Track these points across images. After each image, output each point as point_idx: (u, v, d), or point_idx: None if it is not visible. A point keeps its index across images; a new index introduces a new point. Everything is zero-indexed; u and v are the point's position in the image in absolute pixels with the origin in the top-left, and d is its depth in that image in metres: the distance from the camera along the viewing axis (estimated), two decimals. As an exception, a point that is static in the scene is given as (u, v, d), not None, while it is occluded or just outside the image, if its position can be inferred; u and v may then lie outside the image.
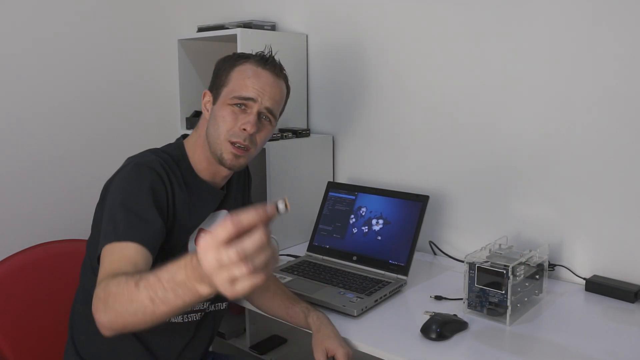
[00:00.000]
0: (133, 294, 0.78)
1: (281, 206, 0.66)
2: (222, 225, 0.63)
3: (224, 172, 1.22)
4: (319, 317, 1.17)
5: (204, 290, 0.69)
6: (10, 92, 1.80)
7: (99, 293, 0.86)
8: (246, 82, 1.16)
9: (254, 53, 1.22)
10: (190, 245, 1.17)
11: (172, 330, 1.19)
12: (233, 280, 0.63)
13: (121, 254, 0.98)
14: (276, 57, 1.22)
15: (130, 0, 2.11)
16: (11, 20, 1.79)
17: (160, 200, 1.09)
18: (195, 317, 1.22)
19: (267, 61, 1.19)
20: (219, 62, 1.23)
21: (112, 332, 0.84)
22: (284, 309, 1.23)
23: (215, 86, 1.20)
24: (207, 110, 1.21)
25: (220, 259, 0.62)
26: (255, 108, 1.16)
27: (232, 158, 1.15)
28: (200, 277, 0.67)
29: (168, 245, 1.11)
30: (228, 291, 0.64)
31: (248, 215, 0.63)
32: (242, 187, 1.35)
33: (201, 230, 1.20)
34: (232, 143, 1.14)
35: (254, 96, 1.15)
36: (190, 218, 1.17)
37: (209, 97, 1.22)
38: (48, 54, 1.89)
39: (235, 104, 1.15)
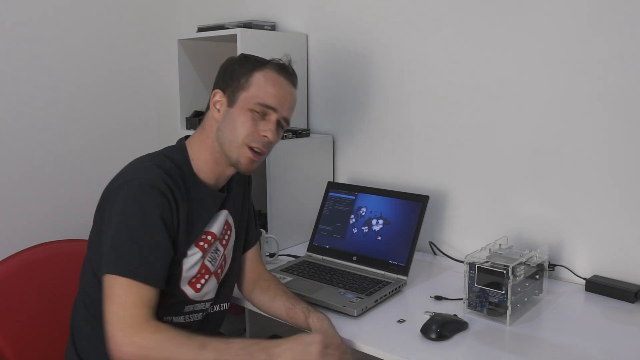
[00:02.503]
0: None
1: None
2: None
3: (229, 173, 1.22)
4: (319, 318, 1.17)
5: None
6: (10, 94, 1.80)
7: (147, 343, 0.97)
8: (269, 89, 1.17)
9: (267, 59, 1.22)
10: (191, 249, 1.16)
11: None
12: None
13: (138, 296, 1.02)
14: (293, 66, 1.24)
15: (131, 0, 2.11)
16: (10, 22, 1.79)
17: (168, 224, 1.08)
18: (197, 317, 1.22)
19: (287, 69, 1.21)
20: (233, 64, 1.21)
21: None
22: (284, 310, 1.22)
23: (231, 88, 1.18)
24: (218, 111, 1.19)
25: None
26: (274, 117, 1.18)
27: (249, 163, 1.17)
28: None
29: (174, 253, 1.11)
30: None
31: None
32: (243, 187, 1.35)
33: (204, 232, 1.19)
34: (250, 148, 1.16)
35: (276, 106, 1.17)
36: (194, 226, 1.16)
37: (220, 97, 1.19)
38: (48, 55, 1.89)
39: (256, 110, 1.16)
